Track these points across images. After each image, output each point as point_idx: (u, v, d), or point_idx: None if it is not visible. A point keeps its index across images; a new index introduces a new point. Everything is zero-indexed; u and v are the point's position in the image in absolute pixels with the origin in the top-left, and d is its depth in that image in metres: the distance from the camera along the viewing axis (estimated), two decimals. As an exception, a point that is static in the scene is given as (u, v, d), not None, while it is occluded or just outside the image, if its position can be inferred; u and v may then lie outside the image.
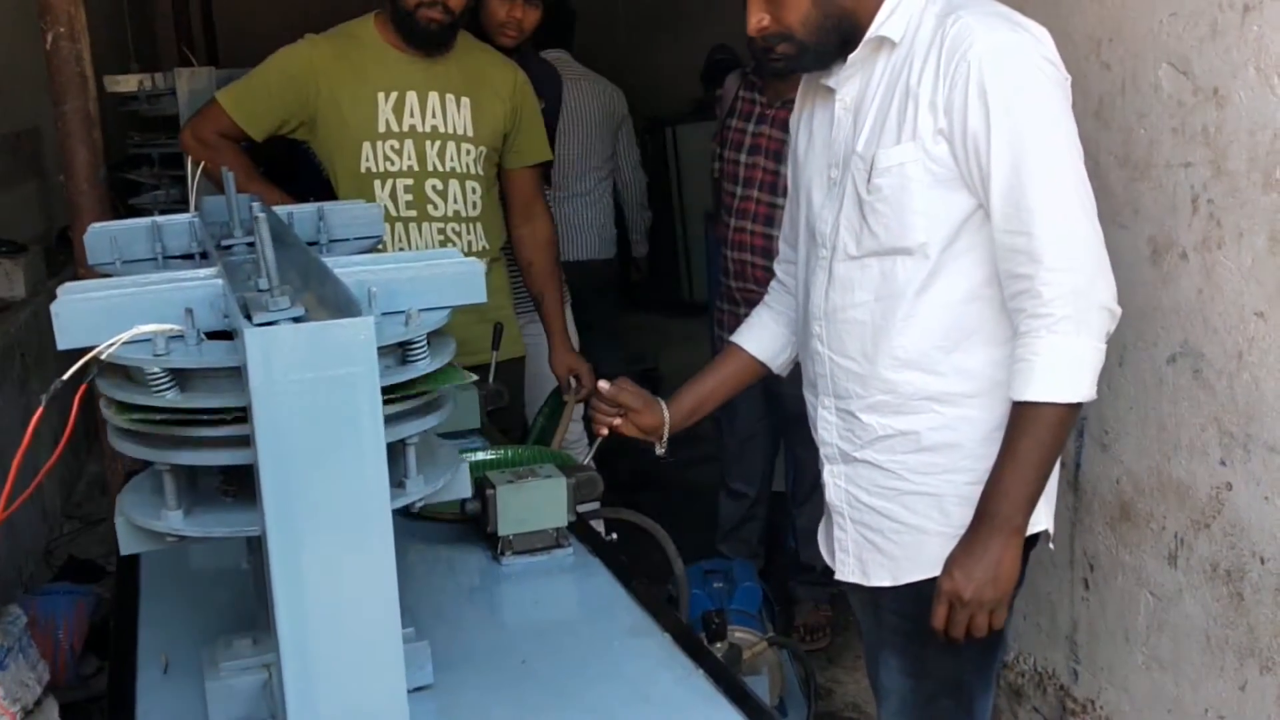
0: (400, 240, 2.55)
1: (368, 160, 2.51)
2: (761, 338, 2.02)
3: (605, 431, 2.00)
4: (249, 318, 1.12)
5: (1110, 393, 2.24)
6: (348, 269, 1.31)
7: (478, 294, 1.36)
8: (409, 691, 1.38)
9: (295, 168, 3.04)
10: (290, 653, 1.09)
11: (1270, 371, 1.86)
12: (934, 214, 1.64)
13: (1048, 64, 1.62)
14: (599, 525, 2.28)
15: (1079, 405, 1.62)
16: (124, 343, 1.17)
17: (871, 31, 1.68)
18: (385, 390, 1.18)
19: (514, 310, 2.87)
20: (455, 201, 2.58)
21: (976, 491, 1.67)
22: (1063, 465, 2.41)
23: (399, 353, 1.28)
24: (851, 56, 1.71)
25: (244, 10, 8.60)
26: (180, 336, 1.20)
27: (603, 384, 1.98)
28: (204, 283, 1.27)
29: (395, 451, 1.26)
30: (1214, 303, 1.96)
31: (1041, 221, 1.57)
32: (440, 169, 2.55)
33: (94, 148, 2.65)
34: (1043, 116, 1.59)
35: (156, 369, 1.17)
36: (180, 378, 1.19)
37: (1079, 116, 2.22)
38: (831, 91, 1.75)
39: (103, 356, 1.17)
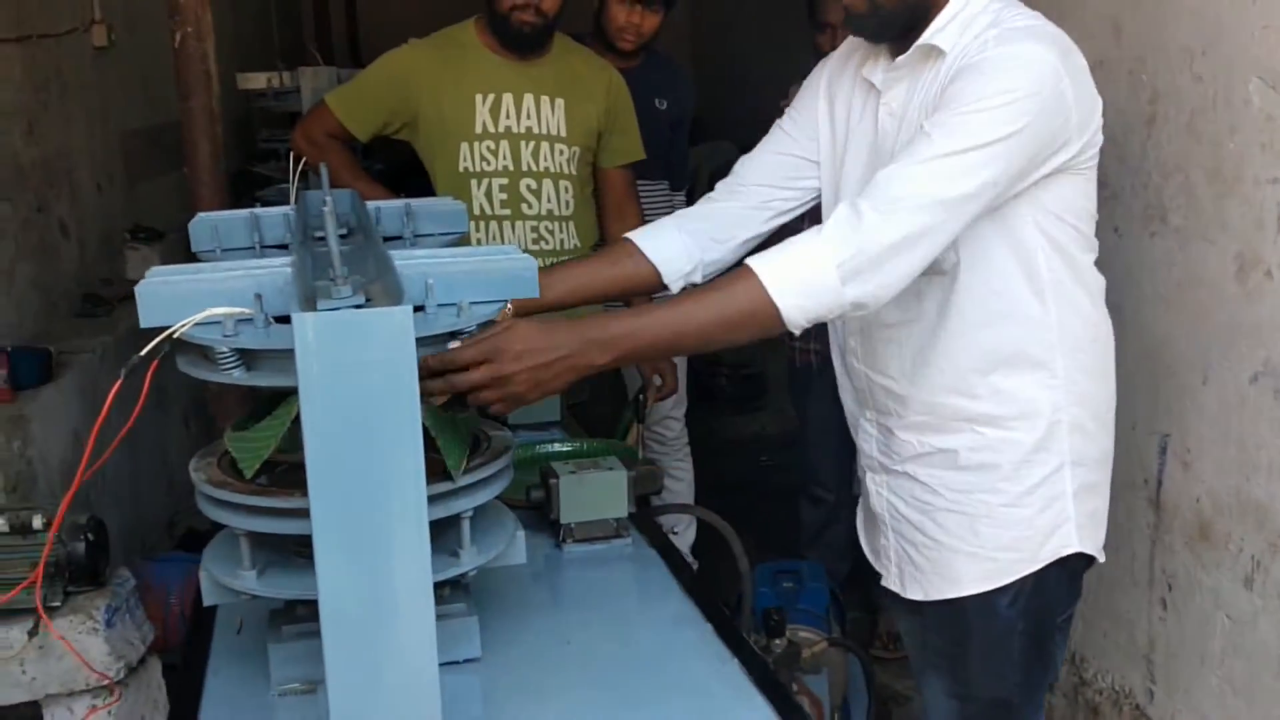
0: (494, 238, 2.64)
1: (465, 160, 2.61)
2: (660, 247, 1.83)
3: None
4: (314, 305, 1.20)
5: (1193, 410, 2.20)
6: (409, 261, 1.40)
7: (530, 289, 1.43)
8: (458, 662, 1.49)
9: (412, 169, 3.16)
10: (329, 617, 1.17)
11: (1350, 394, 1.82)
12: (967, 236, 1.59)
13: (1051, 83, 1.53)
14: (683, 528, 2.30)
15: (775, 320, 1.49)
16: (196, 324, 1.27)
17: (925, 37, 1.62)
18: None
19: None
20: (549, 200, 2.67)
21: (1008, 514, 1.66)
22: (1144, 483, 2.38)
23: (450, 341, 1.36)
24: (900, 59, 1.66)
25: (388, 9, 8.87)
26: (249, 319, 1.30)
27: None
28: (275, 271, 1.36)
29: (452, 523, 1.38)
30: (1297, 322, 1.92)
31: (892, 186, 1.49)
32: (534, 169, 2.64)
33: (215, 141, 2.80)
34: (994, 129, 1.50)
35: (225, 349, 1.27)
36: (247, 357, 1.29)
37: (1172, 129, 2.22)
38: (874, 90, 1.71)
39: (176, 335, 1.28)
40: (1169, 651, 2.34)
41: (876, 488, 1.82)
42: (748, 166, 1.90)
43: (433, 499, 1.33)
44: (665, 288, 1.85)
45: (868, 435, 1.81)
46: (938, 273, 1.64)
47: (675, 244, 1.83)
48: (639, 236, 1.86)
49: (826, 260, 1.47)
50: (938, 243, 1.50)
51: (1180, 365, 2.21)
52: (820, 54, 2.95)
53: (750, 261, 1.50)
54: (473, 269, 1.39)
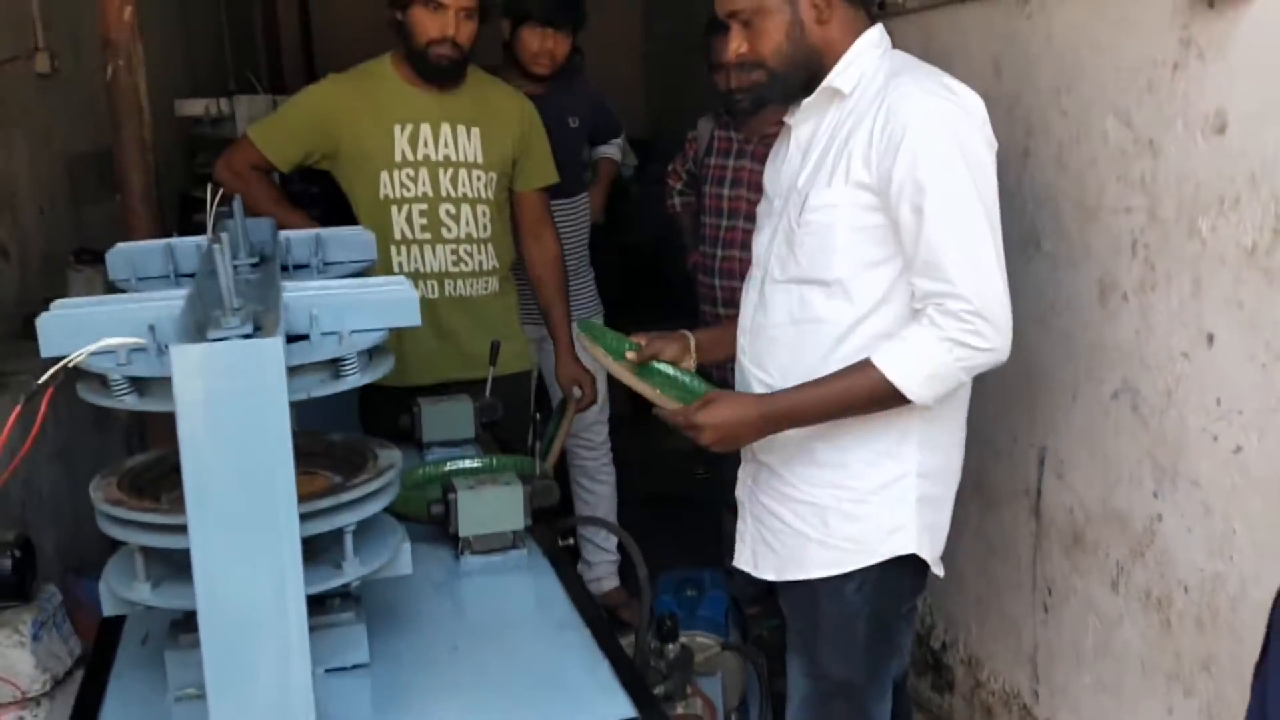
0: (415, 261, 2.75)
1: (385, 188, 2.71)
2: None
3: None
4: (204, 335, 1.30)
5: (1065, 425, 2.34)
6: (297, 293, 1.50)
7: (410, 318, 1.53)
8: (347, 669, 1.60)
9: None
10: (208, 636, 1.27)
11: (1193, 409, 1.95)
12: (852, 253, 1.80)
13: (974, 134, 1.79)
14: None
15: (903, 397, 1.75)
16: (91, 353, 1.37)
17: (827, 81, 1.86)
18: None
19: (523, 324, 3.04)
20: (467, 224, 2.78)
21: (856, 509, 1.83)
22: (1026, 493, 2.52)
23: (333, 368, 1.46)
24: (806, 101, 1.89)
25: (341, 31, 8.91)
26: (142, 349, 1.40)
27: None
28: (171, 302, 1.47)
29: (337, 536, 1.48)
30: (1148, 343, 2.06)
31: (955, 267, 1.73)
32: (453, 194, 2.75)
33: (147, 170, 2.90)
34: (959, 185, 1.76)
35: (118, 376, 1.38)
36: (140, 385, 1.39)
37: (1044, 161, 2.36)
38: (788, 127, 1.94)
39: (77, 364, 1.38)
40: (1050, 653, 2.47)
41: (743, 476, 1.98)
42: None
43: (313, 515, 1.44)
44: None
45: None
46: (820, 284, 1.83)
47: None
48: None
49: (948, 359, 1.74)
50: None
51: (1053, 382, 2.35)
52: (718, 93, 3.14)
53: (877, 361, 1.75)
54: (355, 299, 1.50)
